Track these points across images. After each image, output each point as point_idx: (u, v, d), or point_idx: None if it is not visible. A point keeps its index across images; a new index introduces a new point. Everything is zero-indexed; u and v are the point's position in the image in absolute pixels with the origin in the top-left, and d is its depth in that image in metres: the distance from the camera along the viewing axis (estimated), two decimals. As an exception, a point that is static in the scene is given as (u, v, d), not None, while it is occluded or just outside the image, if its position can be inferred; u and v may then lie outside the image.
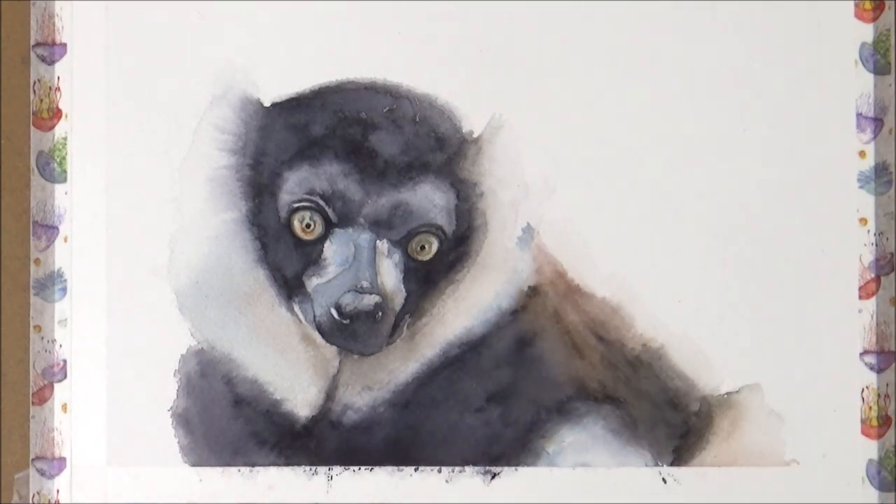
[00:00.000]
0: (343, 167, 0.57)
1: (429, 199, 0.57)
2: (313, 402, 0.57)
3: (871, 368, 0.56)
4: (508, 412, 0.57)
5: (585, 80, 0.57)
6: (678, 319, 0.56)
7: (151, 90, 0.58)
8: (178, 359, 0.57)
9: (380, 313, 0.56)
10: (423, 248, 0.57)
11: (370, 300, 0.56)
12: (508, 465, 0.57)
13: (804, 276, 0.56)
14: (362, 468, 0.57)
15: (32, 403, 0.57)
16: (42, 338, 0.57)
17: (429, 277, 0.57)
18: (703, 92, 0.57)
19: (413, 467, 0.57)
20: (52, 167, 0.58)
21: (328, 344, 0.57)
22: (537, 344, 0.57)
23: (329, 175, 0.57)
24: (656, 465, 0.56)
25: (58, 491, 0.57)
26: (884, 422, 0.56)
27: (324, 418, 0.57)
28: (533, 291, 0.57)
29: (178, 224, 0.57)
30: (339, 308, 0.56)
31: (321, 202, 0.56)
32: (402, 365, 0.57)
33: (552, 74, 0.57)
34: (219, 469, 0.57)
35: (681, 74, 0.57)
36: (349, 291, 0.56)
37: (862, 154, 0.57)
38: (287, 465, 0.57)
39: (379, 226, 0.56)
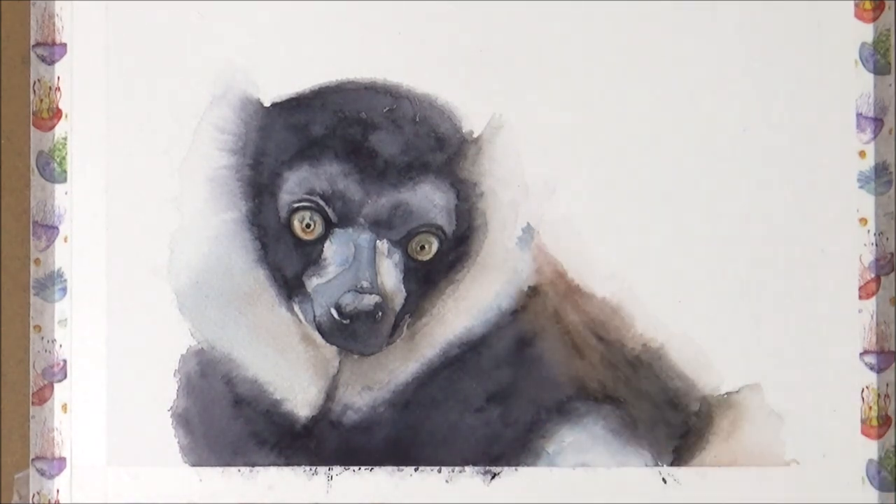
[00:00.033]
0: (343, 167, 0.57)
1: (429, 199, 0.57)
2: (313, 402, 0.57)
3: (871, 368, 0.56)
4: (508, 412, 0.57)
5: (585, 80, 0.57)
6: (678, 319, 0.56)
7: (151, 90, 0.58)
8: (178, 359, 0.57)
9: (380, 313, 0.56)
10: (423, 248, 0.57)
11: (370, 300, 0.56)
12: (508, 465, 0.57)
13: (804, 277, 0.56)
14: (362, 468, 0.57)
15: (32, 403, 0.57)
16: (42, 338, 0.57)
17: (429, 277, 0.57)
18: (703, 92, 0.57)
19: (413, 467, 0.57)
20: (52, 167, 0.58)
21: (328, 344, 0.57)
22: (537, 344, 0.57)
23: (329, 175, 0.57)
24: (656, 465, 0.56)
25: (58, 491, 0.57)
26: (884, 422, 0.56)
27: (324, 418, 0.57)
28: (533, 291, 0.57)
29: (178, 224, 0.57)
30: (339, 308, 0.56)
31: (321, 202, 0.56)
32: (402, 365, 0.57)
33: (552, 74, 0.57)
34: (219, 469, 0.57)
35: (681, 74, 0.57)
36: (349, 291, 0.56)
37: (862, 154, 0.57)
38: (287, 465, 0.57)
39: (379, 226, 0.56)
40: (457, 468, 0.57)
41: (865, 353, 0.56)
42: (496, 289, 0.57)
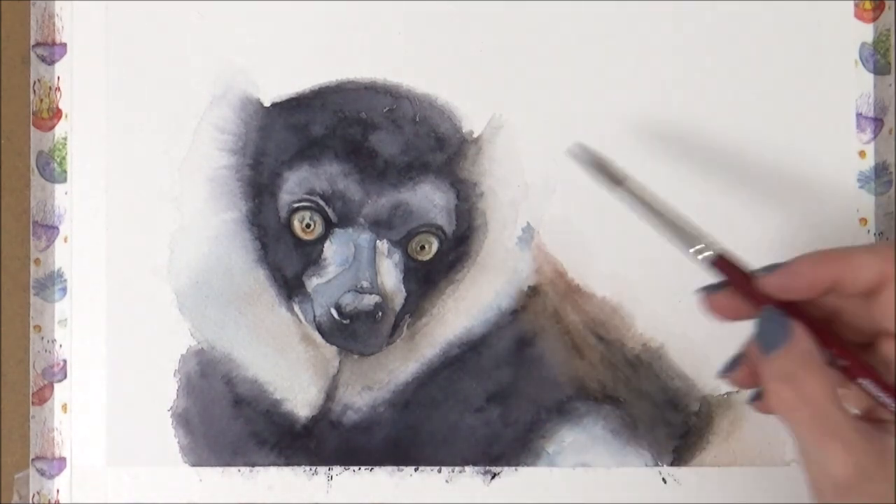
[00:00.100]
0: (343, 167, 0.57)
1: (429, 199, 0.57)
2: (313, 402, 0.57)
3: (871, 368, 0.56)
4: (508, 412, 0.57)
5: (585, 80, 0.57)
6: (678, 319, 0.56)
7: (151, 90, 0.58)
8: (178, 359, 0.57)
9: (380, 313, 0.56)
10: (423, 248, 0.57)
11: (370, 300, 0.56)
12: (508, 465, 0.57)
13: (804, 276, 0.56)
14: (362, 468, 0.57)
15: (32, 403, 0.57)
16: (42, 338, 0.57)
17: (429, 277, 0.57)
18: (702, 92, 0.57)
19: (413, 467, 0.57)
20: (52, 167, 0.58)
21: (328, 344, 0.57)
22: (537, 344, 0.57)
23: (329, 175, 0.57)
24: (656, 465, 0.57)
25: (58, 491, 0.57)
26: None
27: (324, 418, 0.57)
28: (533, 291, 0.57)
29: (178, 224, 0.57)
30: (339, 308, 0.56)
31: (321, 202, 0.56)
32: (402, 365, 0.57)
33: (552, 74, 0.57)
34: (219, 469, 0.57)
35: (680, 74, 0.57)
36: (349, 291, 0.56)
37: (862, 154, 0.57)
38: (287, 465, 0.57)
39: (379, 226, 0.56)
40: (457, 468, 0.57)
41: (865, 353, 0.56)
42: (496, 289, 0.57)
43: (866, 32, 0.57)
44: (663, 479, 0.57)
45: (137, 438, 0.57)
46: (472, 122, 0.57)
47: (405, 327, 0.57)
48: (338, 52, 0.57)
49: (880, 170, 0.57)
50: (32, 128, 0.58)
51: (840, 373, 0.45)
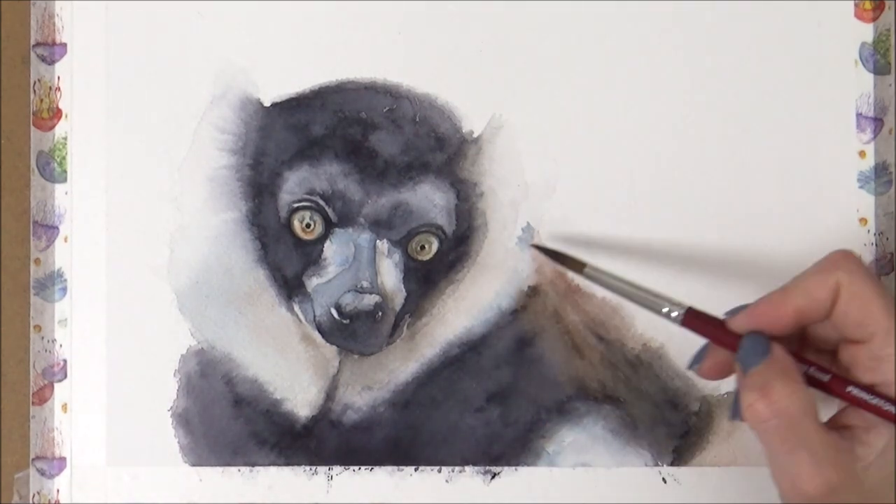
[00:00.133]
0: (343, 167, 0.57)
1: (429, 199, 0.57)
2: (313, 402, 0.57)
3: (871, 368, 0.56)
4: (508, 412, 0.57)
5: (585, 80, 0.57)
6: (678, 319, 0.56)
7: (151, 90, 0.58)
8: (178, 359, 0.57)
9: (380, 313, 0.56)
10: (423, 247, 0.57)
11: (370, 300, 0.56)
12: (508, 465, 0.57)
13: (804, 276, 0.56)
14: (362, 468, 0.57)
15: (32, 403, 0.57)
16: (42, 338, 0.57)
17: (429, 277, 0.57)
18: (702, 92, 0.57)
19: (413, 467, 0.57)
20: (52, 167, 0.58)
21: (328, 344, 0.57)
22: (537, 344, 0.57)
23: (329, 175, 0.57)
24: (656, 465, 0.56)
25: (58, 491, 0.57)
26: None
27: (324, 418, 0.57)
28: (533, 291, 0.57)
29: (178, 224, 0.57)
30: (339, 308, 0.56)
31: (321, 202, 0.56)
32: (402, 365, 0.57)
33: (552, 74, 0.57)
34: (219, 469, 0.57)
35: (680, 74, 0.57)
36: (349, 291, 0.56)
37: (862, 154, 0.57)
38: (287, 465, 0.57)
39: (379, 226, 0.56)
40: (457, 468, 0.57)
41: (865, 353, 0.56)
42: (496, 289, 0.57)
43: (866, 32, 0.57)
44: (663, 479, 0.57)
45: (137, 438, 0.57)
46: (472, 122, 0.57)
47: (405, 327, 0.57)
48: (338, 52, 0.57)
49: (880, 170, 0.57)
50: (32, 128, 0.58)
51: (821, 389, 0.46)
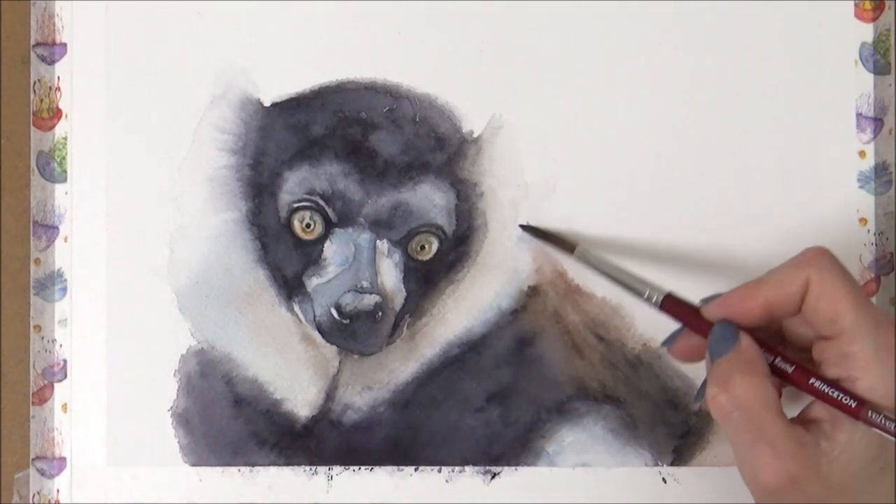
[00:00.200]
0: (343, 167, 0.57)
1: (429, 199, 0.57)
2: (313, 402, 0.57)
3: (871, 368, 0.56)
4: (508, 412, 0.57)
5: (585, 80, 0.57)
6: (678, 319, 0.56)
7: (151, 90, 0.58)
8: (178, 359, 0.57)
9: (380, 313, 0.56)
10: (423, 247, 0.57)
11: (370, 300, 0.56)
12: (508, 465, 0.57)
13: (804, 276, 0.56)
14: (362, 468, 0.57)
15: (32, 403, 0.57)
16: (42, 338, 0.57)
17: (429, 277, 0.57)
18: (702, 92, 0.57)
19: (413, 467, 0.57)
20: (52, 167, 0.58)
21: (328, 344, 0.57)
22: (537, 344, 0.57)
23: (329, 175, 0.57)
24: (656, 465, 0.57)
25: (58, 491, 0.57)
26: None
27: (324, 418, 0.57)
28: (533, 291, 0.57)
29: (178, 224, 0.57)
30: (339, 308, 0.56)
31: (321, 202, 0.56)
32: (402, 365, 0.57)
33: (552, 74, 0.57)
34: (219, 469, 0.57)
35: (680, 74, 0.57)
36: (349, 291, 0.56)
37: (862, 154, 0.57)
38: (287, 465, 0.57)
39: (379, 226, 0.56)
40: (457, 468, 0.57)
41: (865, 353, 0.56)
42: (496, 289, 0.57)
43: (866, 32, 0.57)
44: (663, 479, 0.57)
45: (137, 438, 0.57)
46: (472, 122, 0.57)
47: (405, 327, 0.57)
48: (338, 52, 0.57)
49: (880, 170, 0.57)
50: (32, 128, 0.58)
51: (788, 380, 0.47)
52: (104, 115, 0.58)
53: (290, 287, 0.57)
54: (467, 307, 0.57)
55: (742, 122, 0.57)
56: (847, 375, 0.45)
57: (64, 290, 0.57)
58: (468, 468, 0.57)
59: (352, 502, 0.57)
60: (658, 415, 0.57)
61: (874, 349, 0.44)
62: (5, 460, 0.57)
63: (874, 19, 0.57)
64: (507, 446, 0.57)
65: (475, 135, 0.57)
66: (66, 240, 0.57)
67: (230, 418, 0.57)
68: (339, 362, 0.57)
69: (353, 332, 0.56)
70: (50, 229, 0.58)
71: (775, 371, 0.47)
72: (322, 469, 0.57)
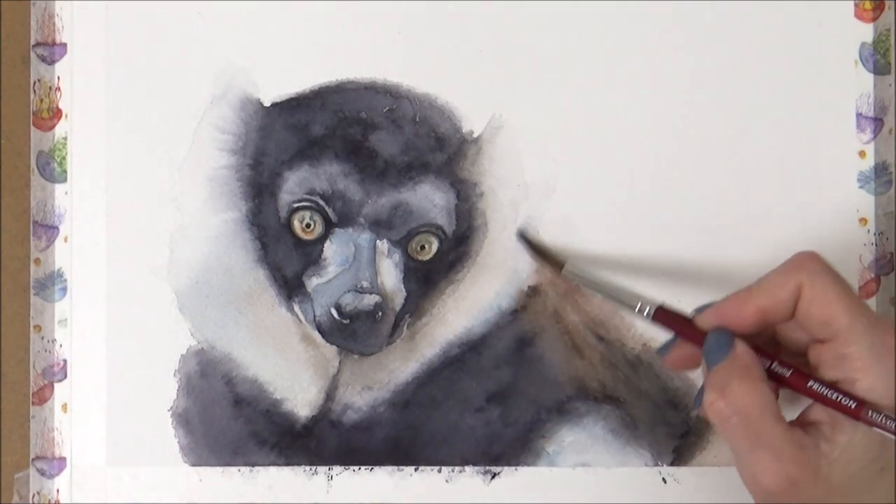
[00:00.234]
0: (343, 167, 0.57)
1: (429, 199, 0.57)
2: (313, 402, 0.57)
3: (871, 368, 0.56)
4: (508, 412, 0.57)
5: (585, 80, 0.57)
6: (678, 319, 0.56)
7: (151, 90, 0.58)
8: (178, 359, 0.57)
9: (380, 313, 0.56)
10: (423, 247, 0.57)
11: (370, 300, 0.56)
12: (508, 465, 0.57)
13: (804, 276, 0.56)
14: (362, 468, 0.57)
15: (32, 403, 0.57)
16: (42, 338, 0.57)
17: (429, 277, 0.57)
18: (702, 92, 0.57)
19: (413, 467, 0.57)
20: (52, 167, 0.58)
21: (328, 344, 0.57)
22: (537, 344, 0.57)
23: (329, 175, 0.57)
24: (656, 465, 0.57)
25: (58, 491, 0.57)
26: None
27: (324, 418, 0.57)
28: (533, 291, 0.57)
29: (178, 224, 0.57)
30: (339, 308, 0.56)
31: (321, 202, 0.56)
32: (402, 365, 0.57)
33: (552, 74, 0.57)
34: (219, 469, 0.57)
35: (680, 74, 0.57)
36: (349, 291, 0.56)
37: (862, 154, 0.57)
38: (287, 465, 0.57)
39: (379, 226, 0.56)
40: (457, 468, 0.57)
41: (865, 353, 0.56)
42: (496, 289, 0.57)
43: (866, 32, 0.57)
44: (663, 479, 0.57)
45: (137, 438, 0.57)
46: (472, 122, 0.57)
47: (405, 327, 0.57)
48: (338, 52, 0.57)
49: (880, 170, 0.57)
50: (32, 128, 0.58)
51: (786, 385, 0.47)
52: (104, 115, 0.58)
53: (290, 287, 0.57)
54: (467, 307, 0.57)
55: (742, 122, 0.57)
56: (845, 377, 0.45)
57: (64, 290, 0.57)
58: (468, 468, 0.57)
59: (352, 502, 0.57)
60: (658, 415, 0.57)
61: (871, 350, 0.45)
62: (5, 460, 0.57)
63: (874, 19, 0.57)
64: (507, 446, 0.57)
65: (475, 135, 0.57)
66: (66, 240, 0.57)
67: (230, 418, 0.57)
68: (339, 362, 0.57)
69: (353, 332, 0.56)
70: (50, 229, 0.58)
71: (772, 376, 0.47)
72: (322, 469, 0.57)
